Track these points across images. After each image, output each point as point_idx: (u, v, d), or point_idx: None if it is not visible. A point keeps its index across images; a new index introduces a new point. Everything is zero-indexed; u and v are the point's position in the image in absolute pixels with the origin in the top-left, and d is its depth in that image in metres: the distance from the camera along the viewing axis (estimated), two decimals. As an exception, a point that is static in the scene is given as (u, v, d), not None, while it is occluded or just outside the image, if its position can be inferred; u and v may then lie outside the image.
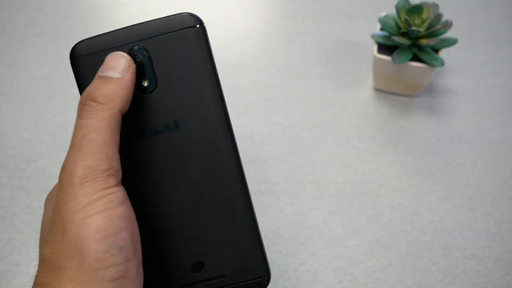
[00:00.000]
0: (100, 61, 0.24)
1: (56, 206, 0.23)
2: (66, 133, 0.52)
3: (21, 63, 0.59)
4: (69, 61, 0.26)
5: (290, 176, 0.49)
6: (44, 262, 0.23)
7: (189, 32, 0.25)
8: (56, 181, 0.52)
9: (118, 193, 0.23)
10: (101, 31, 0.64)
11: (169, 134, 0.25)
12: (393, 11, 0.70)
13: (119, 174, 0.24)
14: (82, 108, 0.23)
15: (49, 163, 0.49)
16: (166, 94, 0.25)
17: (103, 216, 0.22)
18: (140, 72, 0.25)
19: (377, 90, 0.59)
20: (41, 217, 0.45)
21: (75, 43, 0.26)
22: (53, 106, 0.54)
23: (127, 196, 0.24)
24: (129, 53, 0.25)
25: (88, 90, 0.23)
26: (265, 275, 0.27)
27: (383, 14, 0.57)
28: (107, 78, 0.24)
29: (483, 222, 0.46)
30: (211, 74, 0.25)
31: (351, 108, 0.56)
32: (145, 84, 0.25)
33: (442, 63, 0.52)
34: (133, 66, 0.24)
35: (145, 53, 0.25)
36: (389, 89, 0.58)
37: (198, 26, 0.26)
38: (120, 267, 0.22)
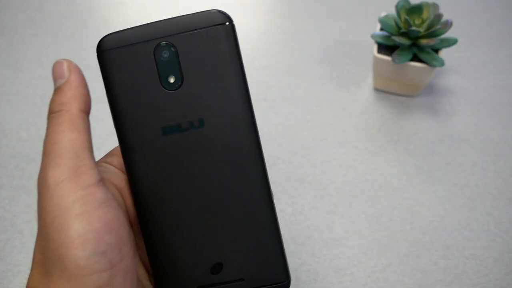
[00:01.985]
0: (127, 55, 0.25)
1: (38, 212, 0.22)
2: (66, 133, 0.52)
3: (21, 63, 0.59)
4: (96, 54, 0.25)
5: (290, 176, 0.49)
6: (36, 265, 0.22)
7: (218, 29, 0.25)
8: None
9: (97, 194, 0.22)
10: (101, 31, 0.64)
11: (193, 132, 0.25)
12: (393, 11, 0.70)
13: (95, 172, 0.22)
14: (47, 123, 0.23)
15: (49, 163, 0.49)
16: (192, 91, 0.25)
17: (82, 220, 0.21)
18: (167, 68, 0.25)
19: (377, 90, 0.59)
20: (41, 217, 0.45)
21: (102, 36, 0.25)
22: (53, 106, 0.55)
23: (110, 196, 0.22)
24: (155, 49, 0.25)
25: (49, 106, 0.24)
26: (285, 280, 0.26)
27: (383, 14, 0.57)
28: (57, 88, 0.24)
29: (483, 222, 0.46)
30: (239, 73, 0.25)
31: (351, 108, 0.56)
32: (171, 80, 0.25)
33: (442, 63, 0.52)
34: (73, 65, 0.24)
35: (172, 49, 0.25)
36: (389, 89, 0.58)
37: (227, 23, 0.25)
38: (104, 274, 0.21)
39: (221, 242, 0.26)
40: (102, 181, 0.23)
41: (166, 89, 0.25)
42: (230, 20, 0.25)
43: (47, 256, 0.21)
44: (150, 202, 0.25)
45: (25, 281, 0.41)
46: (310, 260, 0.43)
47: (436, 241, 0.45)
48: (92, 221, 0.21)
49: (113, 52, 0.25)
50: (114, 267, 0.21)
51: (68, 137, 0.22)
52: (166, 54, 0.25)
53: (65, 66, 0.24)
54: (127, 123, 0.25)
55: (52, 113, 0.23)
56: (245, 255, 0.26)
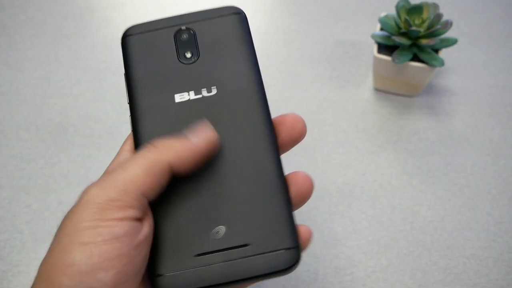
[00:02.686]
0: (150, 38, 0.27)
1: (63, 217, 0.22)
2: (66, 133, 0.52)
3: (21, 63, 0.59)
4: (120, 41, 0.28)
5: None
6: (38, 273, 0.22)
7: (232, 17, 0.28)
8: (56, 181, 0.52)
9: (114, 228, 0.21)
10: (101, 31, 0.64)
11: (205, 97, 0.26)
12: (393, 11, 0.70)
13: (131, 212, 0.22)
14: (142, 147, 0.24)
15: (49, 163, 0.49)
16: (206, 64, 0.27)
17: (83, 250, 0.20)
18: (184, 46, 0.27)
19: (377, 90, 0.59)
20: (41, 217, 0.45)
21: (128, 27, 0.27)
22: (53, 106, 0.54)
23: (128, 233, 0.21)
24: (176, 33, 0.27)
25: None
26: (295, 246, 0.24)
27: (383, 14, 0.57)
28: (182, 136, 0.24)
29: (483, 222, 0.46)
30: (251, 52, 0.27)
31: (351, 108, 0.56)
32: (188, 55, 0.27)
33: (442, 63, 0.52)
34: (213, 141, 0.24)
35: (191, 31, 0.27)
36: (389, 89, 0.58)
37: (240, 13, 0.28)
38: None
39: (224, 204, 0.24)
40: (133, 219, 0.22)
41: (182, 63, 0.27)
42: (243, 12, 0.28)
43: (43, 268, 0.21)
44: None
45: (25, 281, 0.41)
46: (310, 260, 0.43)
47: (436, 241, 0.45)
48: (93, 254, 0.20)
49: (137, 36, 0.27)
50: None
51: (132, 173, 0.22)
52: (185, 36, 0.27)
53: (208, 133, 0.24)
54: (141, 91, 0.26)
55: (151, 144, 0.23)
56: (251, 218, 0.24)
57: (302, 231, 0.24)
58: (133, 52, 0.27)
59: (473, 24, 0.69)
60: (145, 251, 0.23)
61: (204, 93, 0.26)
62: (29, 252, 0.42)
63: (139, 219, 0.23)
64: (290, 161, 0.51)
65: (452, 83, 0.60)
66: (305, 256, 0.43)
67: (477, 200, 0.48)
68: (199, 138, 0.24)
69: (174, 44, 0.27)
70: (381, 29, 0.57)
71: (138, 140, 0.26)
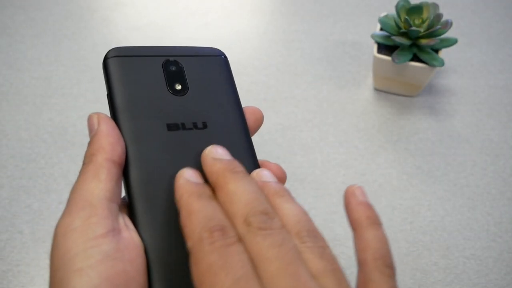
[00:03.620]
0: (136, 63, 0.27)
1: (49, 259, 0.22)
2: (66, 133, 0.52)
3: (21, 63, 0.59)
4: (103, 62, 0.27)
5: (290, 176, 0.49)
6: None
7: (217, 58, 0.30)
8: (56, 181, 0.52)
9: (102, 246, 0.21)
10: (101, 31, 0.64)
11: (197, 131, 0.27)
12: (393, 11, 0.70)
13: (106, 222, 0.22)
14: (79, 172, 0.24)
15: (49, 163, 0.49)
16: (196, 98, 0.27)
17: (81, 275, 0.20)
18: (174, 78, 0.27)
19: (377, 90, 0.59)
20: (41, 217, 0.45)
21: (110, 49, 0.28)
22: (53, 106, 0.54)
23: (119, 247, 0.21)
24: (164, 63, 0.28)
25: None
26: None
27: (383, 14, 0.57)
28: (90, 139, 0.25)
29: (483, 222, 0.46)
30: (235, 92, 0.29)
31: (351, 108, 0.56)
32: (178, 87, 0.27)
33: (442, 63, 0.52)
34: (102, 116, 0.25)
35: (180, 65, 0.28)
36: (389, 89, 0.58)
37: (223, 56, 0.30)
38: None
39: None
40: (115, 230, 0.22)
41: (174, 94, 0.27)
42: (225, 55, 0.31)
43: None
44: (147, 194, 0.25)
45: (25, 281, 0.41)
46: (310, 260, 0.43)
47: (436, 241, 0.45)
48: (92, 277, 0.20)
49: (123, 59, 0.27)
50: None
51: (87, 187, 0.23)
52: (173, 68, 0.28)
53: (94, 119, 0.25)
54: (131, 117, 0.26)
55: (83, 164, 0.24)
56: None
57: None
58: (119, 74, 0.26)
59: (473, 24, 0.69)
60: (142, 264, 0.22)
61: (195, 126, 0.27)
62: (29, 252, 0.42)
63: (119, 229, 0.23)
64: (290, 161, 0.51)
65: (452, 83, 0.60)
66: (305, 256, 0.44)
67: (477, 200, 0.48)
68: (103, 125, 0.25)
69: (162, 73, 0.27)
70: (381, 29, 0.57)
71: (128, 165, 0.25)
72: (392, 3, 0.71)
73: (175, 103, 0.27)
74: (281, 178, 0.27)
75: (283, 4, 0.71)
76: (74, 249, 0.21)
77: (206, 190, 0.23)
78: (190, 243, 0.21)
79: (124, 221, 0.24)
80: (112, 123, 0.25)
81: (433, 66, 0.52)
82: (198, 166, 0.25)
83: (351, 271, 0.43)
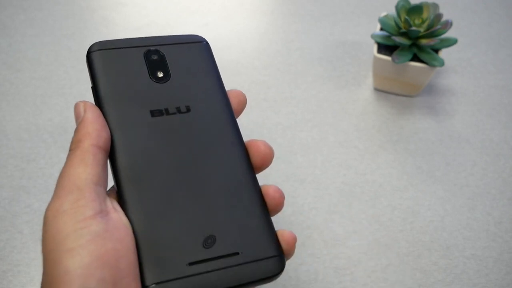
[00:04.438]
0: (118, 55, 0.28)
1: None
2: (66, 133, 0.52)
3: (21, 63, 0.59)
4: (86, 56, 0.28)
5: (290, 176, 0.49)
6: None
7: (198, 44, 0.30)
8: (56, 181, 0.52)
9: (92, 227, 0.21)
10: (101, 31, 0.64)
11: (180, 115, 0.27)
12: (393, 11, 0.70)
13: (94, 204, 0.22)
14: (66, 157, 0.25)
15: (49, 163, 0.49)
16: (178, 84, 0.28)
17: (72, 255, 0.21)
18: (155, 66, 0.28)
19: (377, 90, 0.59)
20: (41, 217, 0.45)
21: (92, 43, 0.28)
22: (53, 106, 0.54)
23: (110, 226, 0.22)
24: (145, 53, 0.28)
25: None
26: (279, 254, 0.25)
27: (383, 14, 0.57)
28: (77, 126, 0.26)
29: (483, 222, 0.46)
30: (217, 75, 0.29)
31: (351, 108, 0.56)
32: (160, 75, 0.28)
33: (442, 63, 0.52)
34: (89, 104, 0.26)
35: (161, 53, 0.28)
36: (389, 89, 0.58)
37: (205, 43, 0.30)
38: None
39: (210, 213, 0.25)
40: (103, 211, 0.23)
41: (156, 82, 0.28)
42: (206, 41, 0.30)
43: (42, 286, 0.21)
44: (134, 178, 0.25)
45: (25, 281, 0.41)
46: (310, 260, 0.43)
47: (436, 241, 0.45)
48: (83, 255, 0.21)
49: (104, 52, 0.28)
50: None
51: (74, 171, 0.23)
52: (155, 57, 0.28)
53: (81, 106, 0.26)
54: (115, 106, 0.27)
55: (69, 151, 0.25)
56: (237, 228, 0.25)
57: (286, 236, 0.26)
58: (101, 66, 0.27)
59: (473, 24, 0.69)
60: (131, 243, 0.23)
61: (178, 110, 0.27)
62: (29, 252, 0.42)
63: (107, 211, 0.23)
64: (290, 161, 0.51)
65: (452, 83, 0.60)
66: (305, 256, 0.43)
67: (477, 200, 0.48)
68: (89, 113, 0.26)
69: (144, 62, 0.28)
70: (381, 29, 0.57)
71: (113, 153, 0.26)
72: (392, 3, 0.71)
73: (158, 90, 0.27)
74: (269, 154, 0.28)
75: (283, 4, 0.71)
76: (64, 230, 0.21)
77: None
78: None
79: (113, 205, 0.24)
80: (97, 111, 0.26)
81: (433, 66, 0.52)
82: (182, 148, 0.26)
83: (351, 271, 0.43)
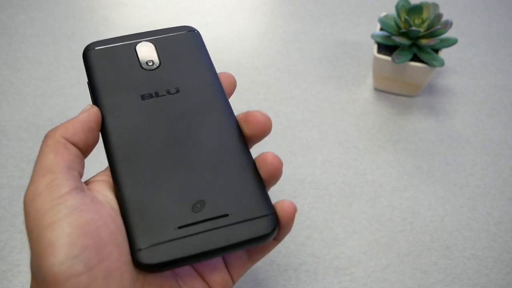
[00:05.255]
0: (111, 51, 0.29)
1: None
2: (66, 133, 0.52)
3: (21, 63, 0.59)
4: (82, 56, 0.30)
5: (290, 176, 0.49)
6: (31, 277, 0.23)
7: (188, 33, 0.31)
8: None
9: (68, 202, 0.22)
10: (101, 31, 0.64)
11: (170, 96, 0.28)
12: (393, 11, 0.70)
13: (68, 183, 0.23)
14: None
15: (49, 163, 0.49)
16: (168, 70, 0.29)
17: (52, 228, 0.21)
18: (146, 56, 0.29)
19: (377, 90, 0.59)
20: (41, 217, 0.45)
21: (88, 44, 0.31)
22: (53, 106, 0.54)
23: (86, 200, 0.23)
24: (136, 46, 0.30)
25: None
26: (271, 213, 0.25)
27: (383, 14, 0.57)
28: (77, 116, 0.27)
29: (483, 222, 0.46)
30: (207, 60, 0.30)
31: (351, 108, 0.56)
32: (150, 64, 0.29)
33: (442, 63, 0.52)
34: (92, 110, 0.27)
35: (151, 45, 0.30)
36: (389, 89, 0.58)
37: (196, 31, 0.31)
38: (82, 277, 0.21)
39: (200, 180, 0.25)
40: (78, 188, 0.23)
41: (144, 69, 0.29)
42: (197, 30, 0.31)
43: (32, 268, 0.22)
44: (125, 152, 0.26)
45: (25, 281, 0.41)
46: (310, 260, 0.43)
47: (436, 241, 0.45)
48: (63, 227, 0.21)
49: (98, 50, 0.29)
50: (92, 269, 0.21)
51: (46, 158, 0.24)
52: (145, 49, 0.30)
53: (86, 107, 0.27)
54: (106, 93, 0.28)
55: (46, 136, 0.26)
56: (226, 192, 0.25)
57: (286, 205, 0.26)
58: (96, 62, 0.29)
59: (473, 24, 0.69)
60: (108, 215, 0.24)
61: (168, 92, 0.28)
62: (29, 252, 0.42)
63: (83, 189, 0.24)
64: (290, 161, 0.51)
65: (452, 83, 0.60)
66: (305, 256, 0.43)
67: (477, 200, 0.48)
68: (83, 113, 0.27)
69: (135, 55, 0.30)
70: (381, 29, 0.57)
71: (106, 135, 0.27)
72: (392, 3, 0.71)
73: (148, 78, 0.29)
74: (267, 123, 0.28)
75: (283, 4, 0.71)
76: (42, 208, 0.22)
77: None
78: None
79: (93, 187, 0.25)
80: (94, 116, 0.27)
81: (433, 66, 0.52)
82: (172, 124, 0.27)
83: (351, 271, 0.43)
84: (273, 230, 0.25)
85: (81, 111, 0.28)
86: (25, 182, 0.47)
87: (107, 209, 0.24)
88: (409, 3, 0.54)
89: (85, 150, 0.26)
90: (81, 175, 0.25)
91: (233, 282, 0.28)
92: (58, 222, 0.21)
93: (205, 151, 0.26)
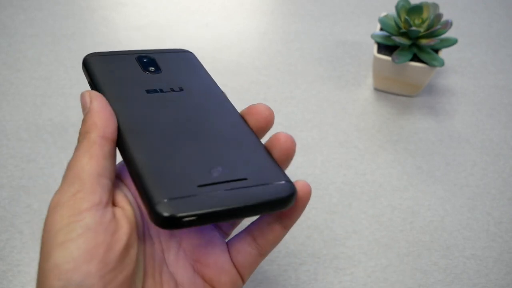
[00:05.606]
0: (112, 60, 0.30)
1: None
2: (66, 133, 0.52)
3: (21, 63, 0.59)
4: (82, 64, 0.31)
5: (290, 176, 0.49)
6: (36, 286, 0.23)
7: (184, 53, 0.33)
8: (56, 181, 0.52)
9: (85, 220, 0.22)
10: (101, 31, 0.64)
11: (174, 92, 0.29)
12: (393, 11, 0.70)
13: (92, 197, 0.23)
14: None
15: (49, 163, 0.49)
16: (170, 74, 0.31)
17: (62, 249, 0.21)
18: (147, 64, 0.31)
19: (377, 90, 0.59)
20: (41, 217, 0.45)
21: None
22: (53, 106, 0.54)
23: (101, 220, 0.22)
24: (137, 57, 0.31)
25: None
26: (289, 181, 0.25)
27: (383, 14, 0.57)
28: (84, 117, 0.26)
29: (483, 222, 0.46)
30: (205, 71, 0.32)
31: (351, 108, 0.56)
32: (152, 69, 0.31)
33: (442, 63, 0.52)
34: (94, 94, 0.27)
35: (151, 57, 0.32)
36: (389, 89, 0.58)
37: (190, 52, 0.34)
38: None
39: (214, 150, 0.26)
40: (101, 203, 0.23)
41: (148, 73, 0.30)
42: (192, 52, 0.34)
43: (37, 283, 0.22)
44: (137, 132, 0.26)
45: (25, 281, 0.41)
46: (310, 260, 0.43)
47: (436, 241, 0.45)
48: (72, 249, 0.21)
49: (99, 57, 0.30)
50: None
51: (78, 163, 0.23)
52: (146, 59, 0.31)
53: (87, 96, 0.26)
54: (112, 89, 0.28)
55: (77, 142, 0.25)
56: (242, 160, 0.25)
57: (301, 184, 0.26)
58: (98, 65, 0.30)
59: (473, 24, 0.69)
60: (124, 237, 0.23)
61: (172, 90, 0.29)
62: (29, 252, 0.42)
63: (107, 202, 0.23)
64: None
65: (452, 83, 0.60)
66: (305, 256, 0.43)
67: (477, 200, 0.48)
68: (95, 103, 0.26)
69: (137, 63, 0.31)
70: (381, 29, 0.57)
71: (121, 121, 0.27)
72: (392, 3, 0.71)
73: (152, 78, 0.30)
74: (270, 115, 0.28)
75: (283, 4, 0.71)
76: (58, 224, 0.22)
77: None
78: None
79: (122, 192, 0.25)
80: (103, 101, 0.26)
81: (433, 66, 0.52)
82: (180, 110, 0.28)
83: (351, 271, 0.43)
84: (293, 194, 0.24)
85: (83, 102, 0.27)
86: (25, 182, 0.47)
87: (124, 229, 0.24)
88: (409, 3, 0.54)
89: (115, 139, 0.26)
90: (112, 179, 0.25)
91: (243, 281, 0.28)
92: (69, 243, 0.21)
93: (215, 129, 0.27)
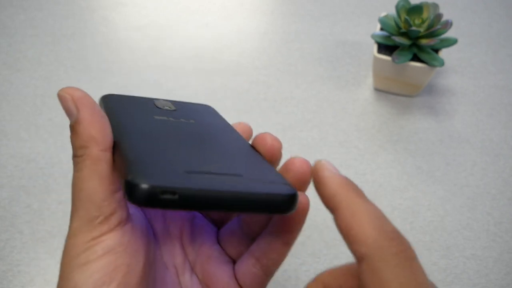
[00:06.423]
0: (128, 99, 0.32)
1: None
2: (66, 133, 0.52)
3: (21, 63, 0.59)
4: (99, 99, 0.31)
5: (290, 176, 0.49)
6: None
7: (202, 105, 0.34)
8: (56, 181, 0.52)
9: (106, 242, 0.22)
10: (101, 31, 0.64)
11: (183, 121, 0.30)
12: (393, 11, 0.70)
13: (111, 220, 0.22)
14: (73, 165, 0.23)
15: (49, 163, 0.49)
16: (183, 112, 0.32)
17: (82, 271, 0.21)
18: (163, 104, 0.32)
19: (377, 90, 0.59)
20: (41, 217, 0.45)
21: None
22: (53, 106, 0.54)
23: (121, 241, 0.22)
24: (154, 101, 0.32)
25: (72, 148, 0.23)
26: (290, 184, 0.22)
27: (383, 14, 0.57)
28: (71, 127, 0.23)
29: (483, 222, 0.46)
30: (225, 121, 0.32)
31: (351, 108, 0.56)
32: (167, 108, 0.32)
33: (442, 63, 0.52)
34: (78, 98, 0.23)
35: (168, 101, 0.33)
36: (389, 89, 0.58)
37: (212, 107, 0.34)
38: None
39: (212, 156, 0.24)
40: (121, 223, 0.22)
41: (161, 109, 0.31)
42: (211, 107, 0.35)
43: None
44: (133, 136, 0.24)
45: (25, 281, 0.41)
46: (310, 260, 0.43)
47: (436, 241, 0.45)
48: (92, 272, 0.21)
49: (115, 96, 0.31)
50: None
51: (90, 185, 0.22)
52: (163, 102, 0.33)
53: (69, 102, 0.23)
54: (122, 117, 0.28)
55: (75, 157, 0.23)
56: (240, 162, 0.23)
57: (298, 162, 0.24)
58: (113, 101, 0.30)
59: (473, 24, 0.69)
60: (142, 258, 0.23)
61: (183, 119, 0.30)
62: (29, 252, 0.42)
63: (127, 218, 0.23)
64: (290, 161, 0.50)
65: (452, 83, 0.60)
66: (305, 256, 0.43)
67: (477, 200, 0.48)
68: (85, 110, 0.23)
69: (153, 104, 0.32)
70: (381, 29, 0.57)
71: (124, 153, 0.23)
72: (392, 3, 0.71)
73: (164, 112, 0.31)
74: (278, 147, 0.26)
75: (283, 4, 0.71)
76: (81, 247, 0.22)
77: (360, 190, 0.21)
78: (364, 249, 0.19)
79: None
80: (92, 105, 0.23)
81: (433, 66, 0.52)
82: (181, 128, 0.28)
83: (351, 271, 0.43)
84: (294, 195, 0.21)
85: (66, 106, 0.23)
86: (25, 182, 0.47)
87: (145, 246, 0.23)
88: (409, 3, 0.54)
89: (111, 147, 0.23)
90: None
91: None
92: (89, 265, 0.21)
93: (218, 143, 0.26)
